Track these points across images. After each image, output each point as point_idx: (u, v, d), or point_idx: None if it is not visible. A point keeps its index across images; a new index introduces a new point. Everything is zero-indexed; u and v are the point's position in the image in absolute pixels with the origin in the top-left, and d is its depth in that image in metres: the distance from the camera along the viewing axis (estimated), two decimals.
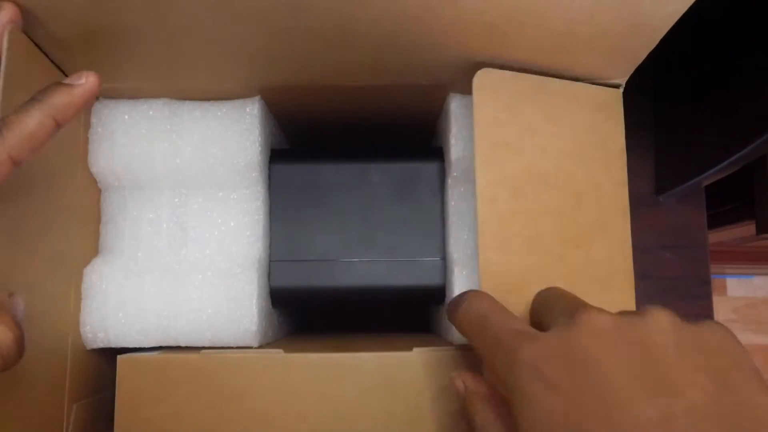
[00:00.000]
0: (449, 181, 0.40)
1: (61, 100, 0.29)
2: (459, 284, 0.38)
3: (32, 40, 0.33)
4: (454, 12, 0.31)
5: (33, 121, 0.28)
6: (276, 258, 0.41)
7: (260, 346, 0.39)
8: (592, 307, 0.26)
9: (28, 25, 0.32)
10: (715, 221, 0.86)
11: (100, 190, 0.41)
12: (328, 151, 0.43)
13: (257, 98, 0.40)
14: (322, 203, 0.41)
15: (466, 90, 0.40)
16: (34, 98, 0.28)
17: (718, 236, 0.96)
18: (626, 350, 0.23)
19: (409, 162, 0.41)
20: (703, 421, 0.21)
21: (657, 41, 0.34)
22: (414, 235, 0.41)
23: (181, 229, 0.40)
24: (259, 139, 0.40)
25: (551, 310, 0.28)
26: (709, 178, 0.54)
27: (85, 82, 0.29)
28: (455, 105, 0.40)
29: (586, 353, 0.24)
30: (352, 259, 0.41)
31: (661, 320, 0.24)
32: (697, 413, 0.21)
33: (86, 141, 0.39)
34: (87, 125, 0.39)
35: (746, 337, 1.79)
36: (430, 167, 0.41)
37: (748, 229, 0.82)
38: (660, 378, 0.22)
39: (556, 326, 0.26)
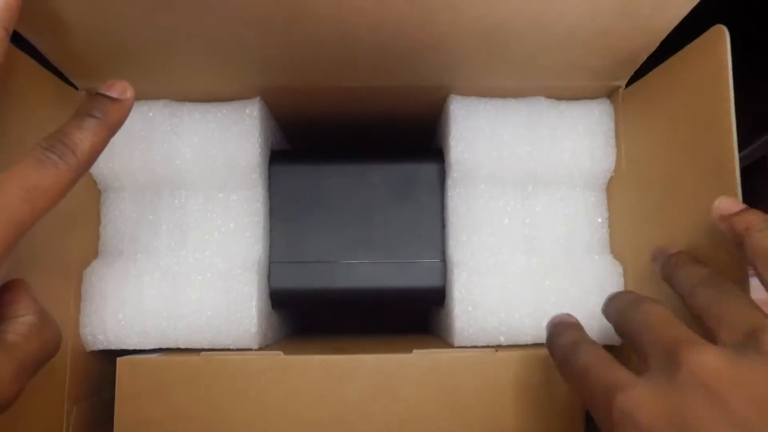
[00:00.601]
0: (449, 182, 0.40)
1: (118, 117, 0.29)
2: (459, 285, 0.38)
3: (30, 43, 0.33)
4: (454, 19, 0.31)
5: (101, 141, 0.28)
6: (276, 259, 0.41)
7: (260, 348, 0.39)
8: (694, 343, 0.23)
9: (28, 27, 0.32)
10: None
11: (99, 192, 0.41)
12: (328, 152, 0.43)
13: (257, 99, 0.40)
14: (322, 204, 0.41)
15: (466, 91, 0.40)
16: (91, 114, 0.28)
17: None
18: (739, 408, 0.21)
19: (409, 163, 0.41)
20: None
21: (657, 44, 0.34)
22: (414, 237, 0.41)
23: (180, 231, 0.40)
24: (259, 140, 0.40)
25: (644, 342, 0.26)
26: None
27: (130, 95, 0.29)
28: (455, 106, 0.40)
29: (688, 412, 0.22)
30: (352, 261, 0.41)
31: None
32: None
33: None
34: None
35: None
36: (430, 168, 0.41)
37: None
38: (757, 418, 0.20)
39: (652, 370, 0.24)
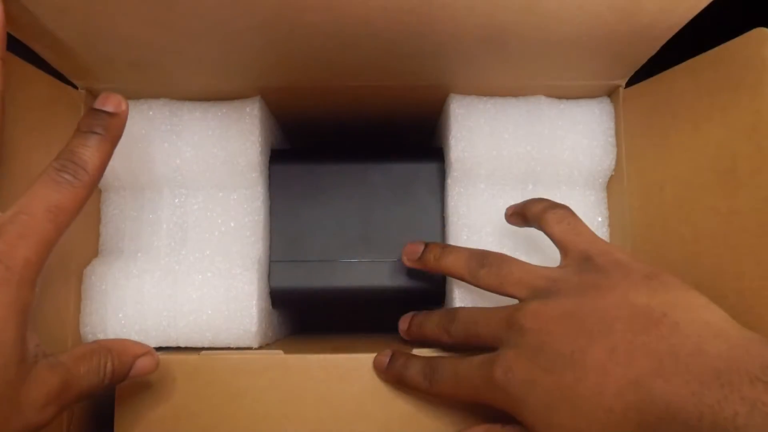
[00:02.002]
0: (449, 181, 0.40)
1: (118, 130, 0.31)
2: (458, 285, 0.38)
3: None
4: (455, 26, 0.31)
5: (106, 155, 0.30)
6: (276, 258, 0.41)
7: (260, 347, 0.39)
8: (516, 310, 0.30)
9: (28, 29, 0.32)
10: None
11: (100, 191, 0.41)
12: (328, 151, 0.43)
13: (257, 98, 0.40)
14: (322, 203, 0.41)
15: (466, 90, 0.40)
16: (93, 131, 0.30)
17: None
18: (559, 324, 0.28)
19: (409, 162, 0.41)
20: (634, 339, 0.26)
21: (658, 48, 0.34)
22: (414, 236, 0.40)
23: (181, 230, 0.40)
24: (259, 139, 0.40)
25: (482, 335, 0.32)
26: None
27: (125, 108, 0.31)
28: (455, 105, 0.40)
29: (544, 351, 0.28)
30: (352, 260, 0.41)
31: (568, 286, 0.30)
32: (627, 336, 0.26)
33: None
34: None
35: None
36: (429, 167, 0.41)
37: None
38: (589, 328, 0.27)
39: (503, 344, 0.30)
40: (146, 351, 0.32)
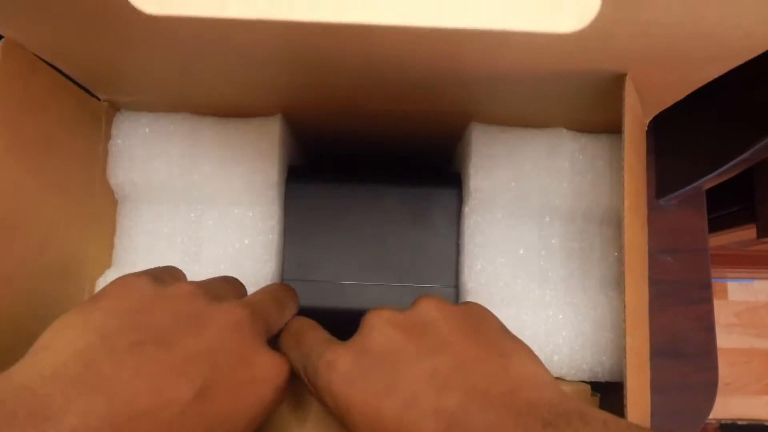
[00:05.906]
0: (466, 209, 0.40)
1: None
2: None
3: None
4: (484, 68, 0.31)
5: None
6: (287, 277, 0.41)
7: None
8: (377, 310, 0.31)
9: (50, 53, 0.32)
10: (716, 225, 0.86)
11: (116, 202, 0.41)
12: (345, 172, 0.43)
13: (278, 116, 0.40)
14: (337, 224, 0.41)
15: (488, 119, 0.40)
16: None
17: (719, 240, 0.95)
18: (400, 333, 0.29)
19: (426, 188, 0.41)
20: (460, 368, 0.27)
21: (685, 95, 0.34)
22: (427, 262, 0.40)
23: (195, 245, 0.40)
24: (279, 158, 0.39)
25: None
26: (710, 181, 0.53)
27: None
28: (477, 134, 0.40)
29: (375, 345, 0.29)
30: (364, 282, 0.41)
31: (427, 304, 0.31)
32: (454, 363, 0.27)
33: (105, 152, 0.39)
34: (107, 137, 0.39)
35: (747, 342, 1.78)
36: (447, 194, 0.41)
37: (749, 232, 0.81)
38: (429, 344, 0.28)
39: (353, 336, 0.30)
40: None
